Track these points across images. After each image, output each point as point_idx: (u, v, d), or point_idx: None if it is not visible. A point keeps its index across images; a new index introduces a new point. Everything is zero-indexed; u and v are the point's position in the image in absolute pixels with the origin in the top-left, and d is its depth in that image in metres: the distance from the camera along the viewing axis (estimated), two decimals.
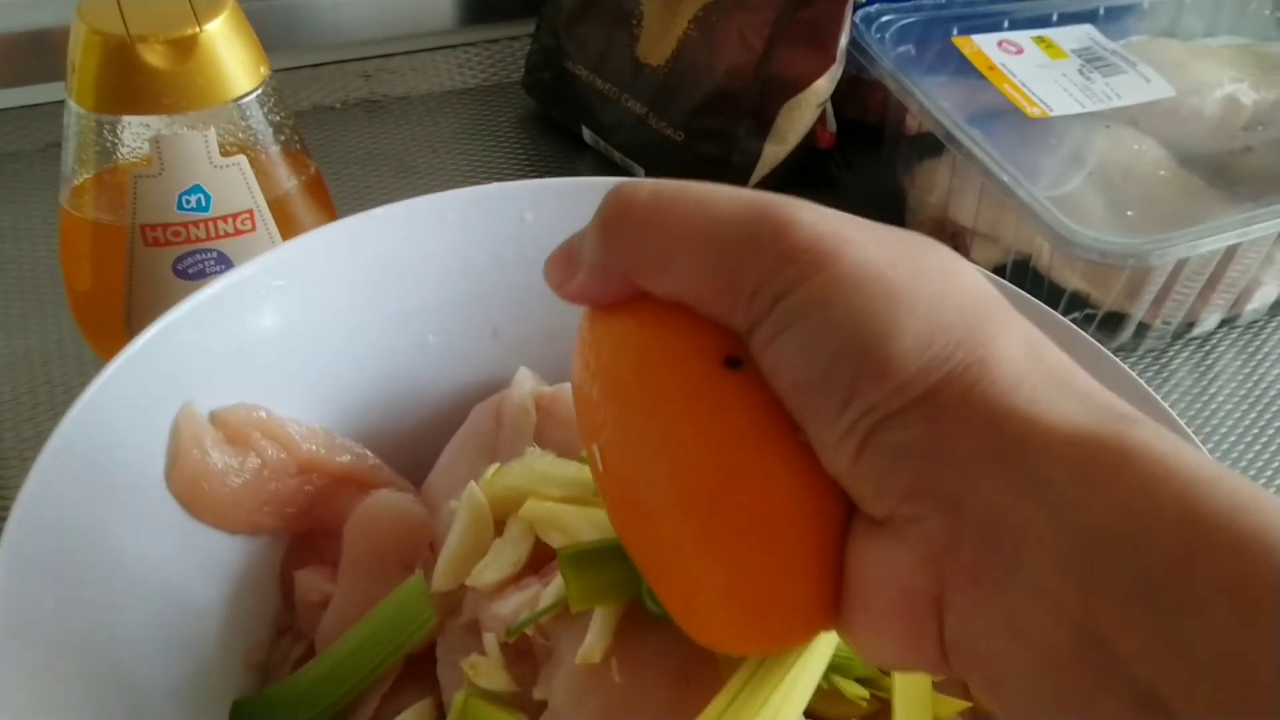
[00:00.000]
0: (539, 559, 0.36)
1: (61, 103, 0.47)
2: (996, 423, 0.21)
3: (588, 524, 0.35)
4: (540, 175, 0.72)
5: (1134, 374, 0.40)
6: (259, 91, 0.47)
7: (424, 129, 0.75)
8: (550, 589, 0.34)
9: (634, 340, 0.25)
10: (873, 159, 0.73)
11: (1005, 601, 0.21)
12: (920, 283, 0.23)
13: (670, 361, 0.25)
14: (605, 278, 0.26)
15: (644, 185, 0.26)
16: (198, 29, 0.45)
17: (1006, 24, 0.72)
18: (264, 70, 0.48)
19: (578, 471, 0.37)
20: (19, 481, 0.51)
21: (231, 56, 0.46)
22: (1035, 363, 0.23)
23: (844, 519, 0.24)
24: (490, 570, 0.35)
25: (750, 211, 0.24)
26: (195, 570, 0.38)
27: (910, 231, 0.25)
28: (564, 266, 0.27)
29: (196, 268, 0.48)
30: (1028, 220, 0.58)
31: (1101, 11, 0.75)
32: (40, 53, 0.71)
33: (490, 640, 0.34)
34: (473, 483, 0.37)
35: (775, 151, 0.68)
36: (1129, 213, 0.59)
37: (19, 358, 0.57)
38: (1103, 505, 0.20)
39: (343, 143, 0.73)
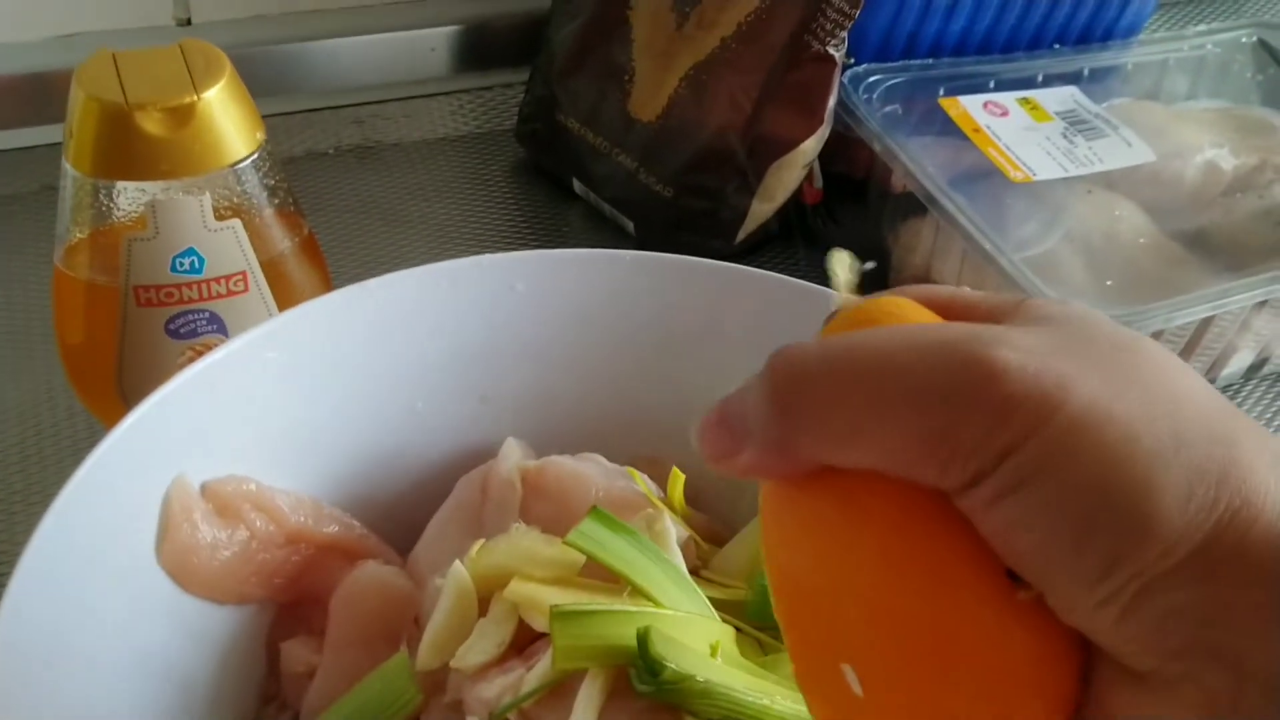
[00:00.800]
0: (522, 640, 0.37)
1: (56, 145, 0.47)
2: (1275, 574, 0.21)
3: None
4: (530, 226, 0.73)
5: None
6: (254, 156, 0.48)
7: (415, 176, 0.75)
8: (533, 673, 0.34)
9: (890, 549, 0.23)
10: (858, 214, 0.74)
11: None
12: (1156, 412, 0.21)
13: (955, 586, 0.22)
14: (785, 456, 0.23)
15: (809, 348, 0.23)
16: (195, 97, 0.45)
17: (992, 84, 0.73)
18: (260, 135, 0.48)
19: (561, 552, 0.37)
20: (7, 534, 0.52)
21: (228, 123, 0.47)
22: None
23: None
24: (474, 652, 0.36)
25: (946, 358, 0.22)
26: (182, 640, 0.39)
27: (1104, 324, 0.23)
28: (727, 438, 0.24)
29: (188, 328, 0.49)
30: (1009, 290, 0.59)
31: (1086, 73, 0.76)
32: (35, 96, 0.71)
33: None
34: (458, 561, 0.38)
35: (763, 209, 0.69)
36: (1108, 281, 0.60)
37: (10, 407, 0.57)
38: None
39: (334, 190, 0.74)
